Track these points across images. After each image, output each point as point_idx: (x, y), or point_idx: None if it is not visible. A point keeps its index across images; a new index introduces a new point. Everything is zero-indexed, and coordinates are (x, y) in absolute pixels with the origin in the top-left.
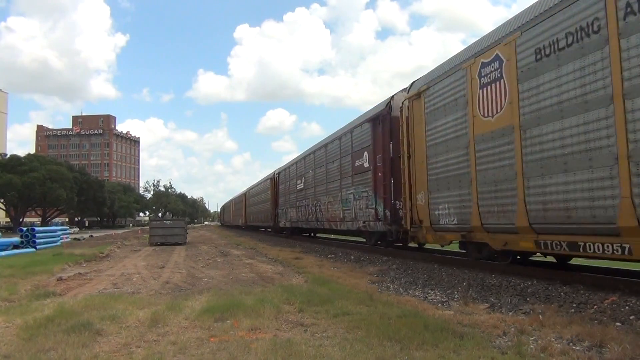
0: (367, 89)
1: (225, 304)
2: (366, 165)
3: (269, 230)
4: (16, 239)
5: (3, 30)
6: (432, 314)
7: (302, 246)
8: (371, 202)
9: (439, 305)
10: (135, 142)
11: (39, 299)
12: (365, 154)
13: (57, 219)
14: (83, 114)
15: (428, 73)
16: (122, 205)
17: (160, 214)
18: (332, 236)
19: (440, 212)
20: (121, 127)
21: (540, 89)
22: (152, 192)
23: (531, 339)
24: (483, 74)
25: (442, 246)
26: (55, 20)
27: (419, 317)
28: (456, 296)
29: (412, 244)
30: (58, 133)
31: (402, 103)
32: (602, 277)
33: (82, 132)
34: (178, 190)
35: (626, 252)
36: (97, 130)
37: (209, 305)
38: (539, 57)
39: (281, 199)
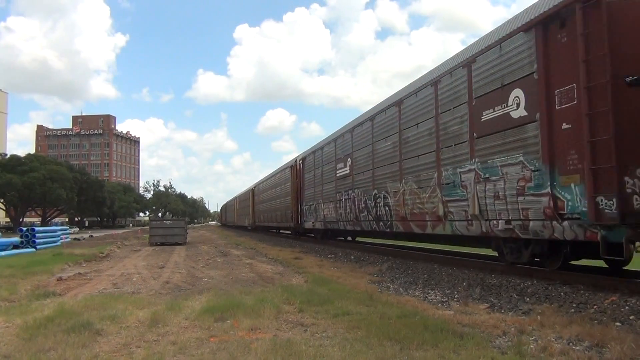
0: (366, 89)
1: (225, 304)
2: (520, 113)
3: (287, 233)
4: (16, 239)
5: (3, 30)
6: (432, 314)
7: (302, 246)
8: (539, 182)
9: (439, 305)
10: (135, 142)
11: (39, 299)
12: (518, 93)
13: (57, 219)
14: (83, 114)
15: None
16: (122, 205)
17: (160, 214)
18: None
19: None
20: (121, 127)
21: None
22: (152, 192)
23: (531, 339)
24: None
25: None
26: (55, 20)
27: (419, 317)
28: (456, 296)
29: None
30: (58, 133)
31: None
32: (602, 277)
33: (82, 132)
34: (178, 190)
35: None
36: (97, 130)
37: (209, 305)
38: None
39: (308, 192)
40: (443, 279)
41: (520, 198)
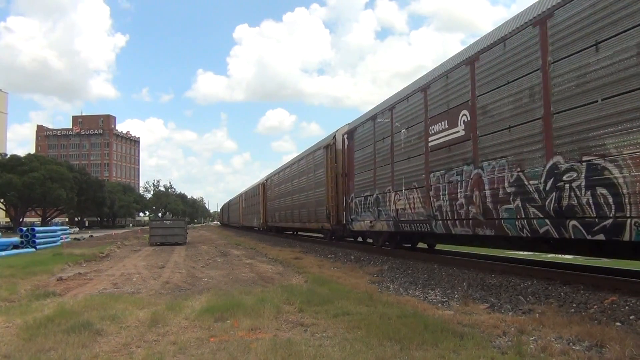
0: (366, 89)
1: (225, 304)
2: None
3: (319, 237)
4: (16, 239)
5: (3, 30)
6: (432, 314)
7: (302, 246)
8: None
9: (439, 305)
10: (135, 142)
11: (39, 299)
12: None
13: (57, 219)
14: (83, 114)
15: None
16: (122, 205)
17: (160, 214)
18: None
19: None
20: (121, 127)
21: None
22: (152, 192)
23: (531, 339)
24: None
25: None
26: (55, 20)
27: (419, 317)
28: (456, 296)
29: None
30: (58, 133)
31: None
32: (602, 277)
33: (82, 132)
34: (178, 190)
35: None
36: (97, 130)
37: (209, 305)
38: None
39: (360, 179)
40: (443, 279)
41: None
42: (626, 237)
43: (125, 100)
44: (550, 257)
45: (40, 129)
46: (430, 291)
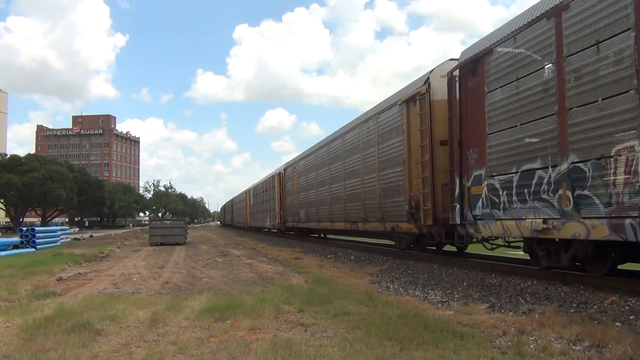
0: (366, 89)
1: (225, 304)
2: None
3: (391, 247)
4: (16, 239)
5: (3, 30)
6: (432, 314)
7: (302, 246)
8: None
9: (439, 305)
10: (135, 142)
11: (39, 299)
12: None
13: (57, 219)
14: (83, 114)
15: None
16: (122, 205)
17: (160, 214)
18: None
19: None
20: (121, 127)
21: None
22: (152, 192)
23: (531, 339)
24: None
25: None
26: (54, 20)
27: (419, 317)
28: (456, 296)
29: None
30: (58, 133)
31: None
32: (602, 277)
33: (82, 132)
34: (178, 190)
35: None
36: (97, 130)
37: (209, 305)
38: None
39: (495, 145)
40: (443, 279)
41: None
42: None
43: (125, 100)
44: None
45: (40, 129)
46: (430, 291)
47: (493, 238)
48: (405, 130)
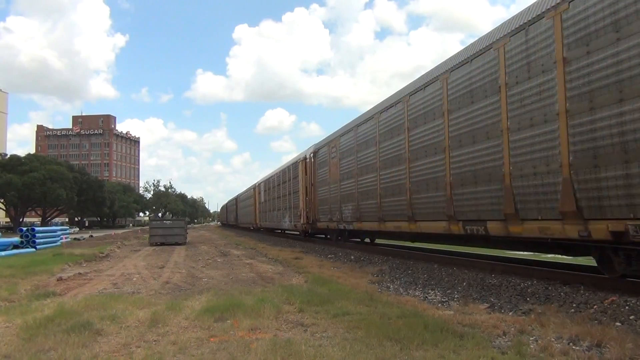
0: (365, 89)
1: (225, 304)
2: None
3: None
4: (16, 239)
5: (2, 30)
6: (432, 314)
7: (302, 246)
8: None
9: (439, 305)
10: (135, 142)
11: (39, 299)
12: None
13: (57, 219)
14: (83, 114)
15: None
16: (122, 205)
17: (160, 214)
18: None
19: None
20: (121, 127)
21: None
22: (152, 192)
23: (531, 339)
24: None
25: None
26: (54, 20)
27: (419, 317)
28: (456, 296)
29: None
30: (58, 133)
31: None
32: (602, 277)
33: (82, 132)
34: (178, 190)
35: None
36: (97, 130)
37: (209, 305)
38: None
39: None
40: (443, 279)
41: None
42: None
43: (125, 100)
44: (550, 257)
45: (40, 129)
46: (430, 291)
47: None
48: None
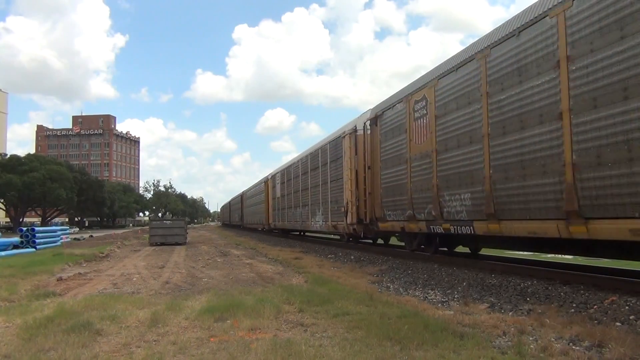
0: (365, 89)
1: (225, 304)
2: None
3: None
4: (16, 239)
5: (2, 30)
6: (432, 314)
7: (302, 246)
8: None
9: (439, 305)
10: (135, 142)
11: (39, 299)
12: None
13: (57, 219)
14: (83, 114)
15: None
16: (122, 205)
17: (160, 214)
18: None
19: None
20: (121, 127)
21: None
22: (152, 192)
23: (531, 339)
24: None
25: None
26: (54, 20)
27: (419, 317)
28: (456, 296)
29: None
30: (58, 133)
31: None
32: (602, 277)
33: (82, 132)
34: (178, 190)
35: None
36: (97, 130)
37: (209, 305)
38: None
39: None
40: (443, 279)
41: None
42: None
43: (125, 100)
44: (550, 257)
45: (40, 129)
46: (430, 291)
47: None
48: None
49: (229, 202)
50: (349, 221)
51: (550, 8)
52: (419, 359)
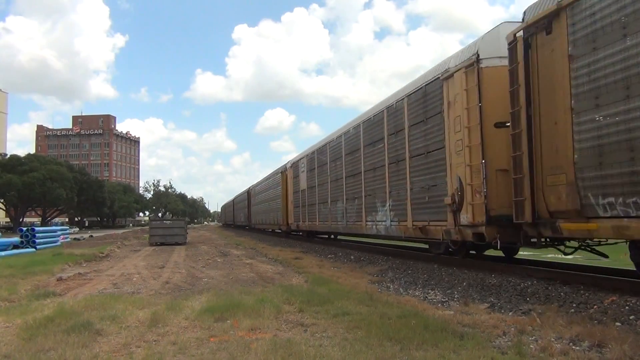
0: (365, 89)
1: (225, 304)
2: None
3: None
4: (16, 239)
5: (2, 30)
6: (432, 314)
7: (302, 246)
8: None
9: (439, 305)
10: (135, 142)
11: (39, 299)
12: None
13: (57, 219)
14: (83, 114)
15: None
16: (122, 205)
17: (160, 214)
18: None
19: None
20: (121, 127)
21: None
22: (152, 192)
23: (531, 339)
24: None
25: None
26: (54, 20)
27: (419, 317)
28: (456, 296)
29: None
30: (58, 133)
31: None
32: (602, 277)
33: (82, 132)
34: (178, 190)
35: None
36: (97, 130)
37: (209, 305)
38: None
39: None
40: (443, 279)
41: None
42: None
43: (125, 100)
44: (550, 257)
45: (40, 129)
46: (430, 291)
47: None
48: None
49: (233, 200)
50: (464, 220)
51: None
52: (419, 359)
